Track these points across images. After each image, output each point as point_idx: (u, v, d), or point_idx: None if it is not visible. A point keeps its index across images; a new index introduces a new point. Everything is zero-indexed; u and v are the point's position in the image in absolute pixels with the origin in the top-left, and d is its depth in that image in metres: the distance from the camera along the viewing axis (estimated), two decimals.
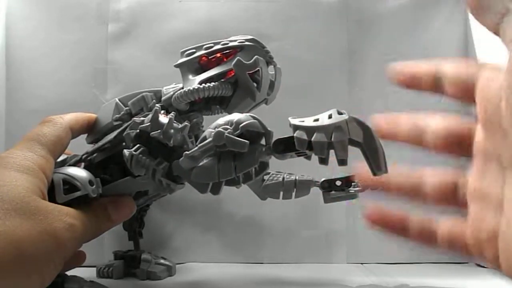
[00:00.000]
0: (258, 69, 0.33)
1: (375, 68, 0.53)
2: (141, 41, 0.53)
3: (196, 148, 0.28)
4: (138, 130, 0.31)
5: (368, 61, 0.54)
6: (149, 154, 0.31)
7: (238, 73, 0.32)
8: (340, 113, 0.25)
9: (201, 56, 0.34)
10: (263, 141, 0.28)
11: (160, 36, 0.53)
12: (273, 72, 0.35)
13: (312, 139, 0.24)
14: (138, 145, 0.31)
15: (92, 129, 0.37)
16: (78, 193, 0.31)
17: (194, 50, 0.35)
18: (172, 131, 0.30)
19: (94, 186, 0.32)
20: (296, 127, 0.25)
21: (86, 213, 0.30)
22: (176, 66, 0.34)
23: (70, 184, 0.31)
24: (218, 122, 0.28)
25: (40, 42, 0.53)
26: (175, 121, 0.31)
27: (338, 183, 0.35)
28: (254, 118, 0.28)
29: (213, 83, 0.32)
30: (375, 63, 0.54)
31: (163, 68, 0.53)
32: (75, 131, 0.35)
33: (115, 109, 0.36)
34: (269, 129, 0.28)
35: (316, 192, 0.37)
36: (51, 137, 0.32)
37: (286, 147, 0.26)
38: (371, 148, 0.24)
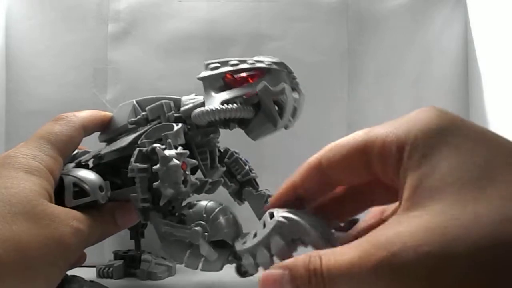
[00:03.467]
0: (283, 96, 0.32)
1: (375, 68, 0.54)
2: (141, 41, 0.53)
3: (172, 228, 0.29)
4: (150, 148, 0.31)
5: (368, 61, 0.54)
6: (148, 182, 0.30)
7: (263, 99, 0.31)
8: (271, 215, 0.25)
9: (225, 72, 0.33)
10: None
11: (160, 36, 0.53)
12: (297, 97, 0.34)
13: (257, 261, 0.25)
14: (144, 167, 0.30)
15: (106, 128, 0.36)
16: (87, 199, 0.31)
17: (218, 65, 0.33)
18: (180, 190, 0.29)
19: (103, 192, 0.32)
20: (240, 252, 0.26)
21: (93, 218, 0.30)
22: (200, 79, 0.33)
23: (80, 188, 0.31)
24: (199, 210, 0.29)
25: (40, 42, 0.53)
26: (187, 180, 0.30)
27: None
28: (234, 222, 0.29)
29: (235, 105, 0.31)
30: (375, 63, 0.54)
31: (163, 68, 0.53)
32: (88, 130, 0.34)
33: (132, 112, 0.35)
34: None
35: None
36: (62, 136, 0.32)
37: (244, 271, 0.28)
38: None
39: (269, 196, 0.38)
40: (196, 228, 0.28)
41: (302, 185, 0.24)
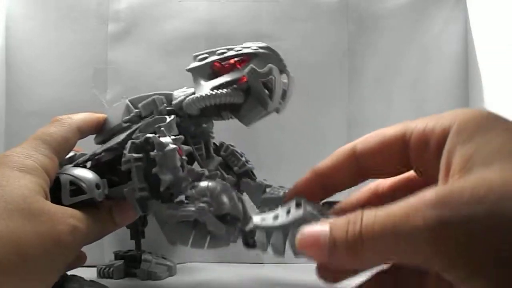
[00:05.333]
0: (271, 77, 0.32)
1: (375, 68, 0.54)
2: (141, 41, 0.53)
3: (175, 210, 0.28)
4: (144, 138, 0.31)
5: (368, 61, 0.54)
6: (144, 170, 0.30)
7: (251, 81, 0.32)
8: (298, 204, 0.25)
9: (213, 61, 0.33)
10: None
11: (160, 36, 0.53)
12: (286, 81, 0.35)
13: (271, 241, 0.25)
14: (139, 156, 0.30)
15: (101, 130, 0.36)
16: (84, 197, 0.31)
17: (206, 55, 0.34)
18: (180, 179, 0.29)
19: (100, 190, 0.32)
20: (256, 227, 0.26)
21: (90, 216, 0.30)
22: (188, 70, 0.34)
23: (76, 186, 0.31)
24: (202, 189, 0.29)
25: (40, 42, 0.53)
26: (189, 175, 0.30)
27: None
28: (237, 198, 0.29)
29: (224, 90, 0.32)
30: (375, 63, 0.54)
31: (163, 68, 0.53)
32: (83, 132, 0.35)
33: (125, 111, 0.35)
34: (248, 214, 0.28)
35: None
36: (57, 137, 0.32)
37: (253, 244, 0.27)
38: None
39: (266, 186, 0.38)
40: (201, 204, 0.28)
41: (330, 172, 0.25)
